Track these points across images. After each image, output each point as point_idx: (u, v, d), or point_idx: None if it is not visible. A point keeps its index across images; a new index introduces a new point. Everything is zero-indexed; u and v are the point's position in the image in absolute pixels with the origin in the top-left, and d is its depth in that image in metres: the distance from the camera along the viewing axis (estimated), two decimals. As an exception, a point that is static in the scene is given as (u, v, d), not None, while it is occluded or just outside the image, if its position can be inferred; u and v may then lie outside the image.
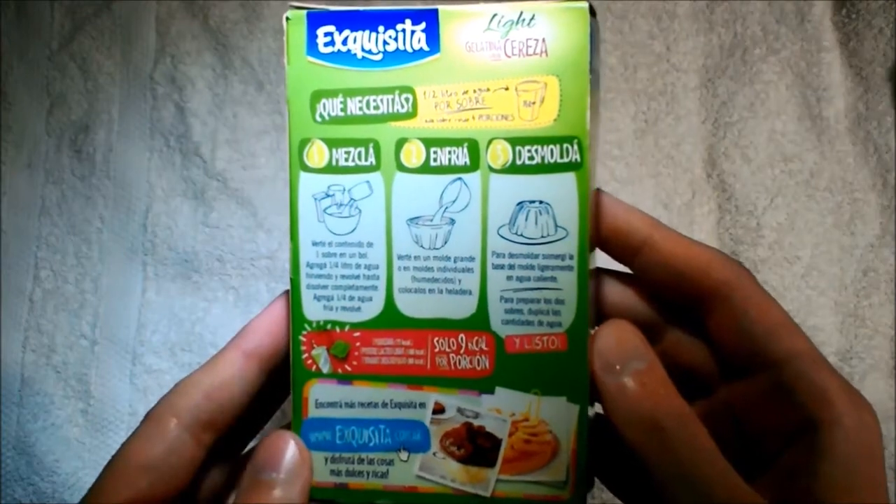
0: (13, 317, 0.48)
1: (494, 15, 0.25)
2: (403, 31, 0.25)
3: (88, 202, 0.49)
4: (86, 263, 0.48)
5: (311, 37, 0.26)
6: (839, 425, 0.22)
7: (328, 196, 0.26)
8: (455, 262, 0.25)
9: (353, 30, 0.26)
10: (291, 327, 0.26)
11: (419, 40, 0.25)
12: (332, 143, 0.26)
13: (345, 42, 0.26)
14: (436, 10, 0.25)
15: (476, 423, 0.25)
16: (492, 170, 0.25)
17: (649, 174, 0.48)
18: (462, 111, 0.25)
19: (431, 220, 0.25)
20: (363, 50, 0.26)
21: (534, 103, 0.25)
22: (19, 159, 0.50)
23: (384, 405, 0.26)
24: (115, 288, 0.48)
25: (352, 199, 0.26)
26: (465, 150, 0.25)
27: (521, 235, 0.25)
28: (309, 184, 0.26)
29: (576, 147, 0.25)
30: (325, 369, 0.26)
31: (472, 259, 0.25)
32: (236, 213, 0.48)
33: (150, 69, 0.50)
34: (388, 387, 0.26)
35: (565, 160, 0.25)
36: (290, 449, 0.25)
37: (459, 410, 0.25)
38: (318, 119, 0.26)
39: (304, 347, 0.26)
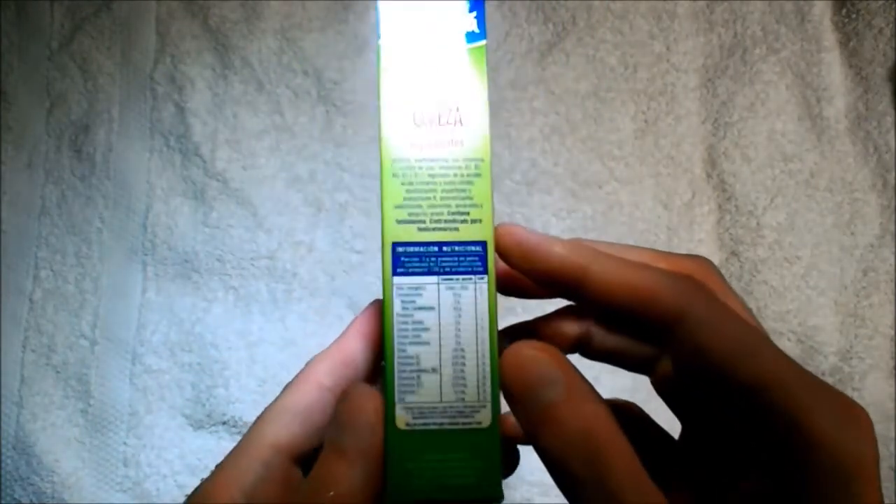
0: (13, 317, 0.48)
1: None
2: None
3: (88, 202, 0.49)
4: (86, 263, 0.48)
5: None
6: (817, 451, 0.21)
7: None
8: None
9: None
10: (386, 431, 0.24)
11: None
12: None
13: None
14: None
15: None
16: None
17: (649, 174, 0.48)
18: None
19: None
20: None
21: None
22: (19, 159, 0.50)
23: None
24: (115, 288, 0.48)
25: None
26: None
27: None
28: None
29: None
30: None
31: None
32: (236, 213, 0.48)
33: (150, 69, 0.50)
34: None
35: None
36: (375, 408, 0.23)
37: None
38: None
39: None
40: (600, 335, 0.25)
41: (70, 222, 0.49)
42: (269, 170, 0.48)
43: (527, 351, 0.21)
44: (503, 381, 0.22)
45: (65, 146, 0.50)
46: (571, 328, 0.26)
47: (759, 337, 0.22)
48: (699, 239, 0.48)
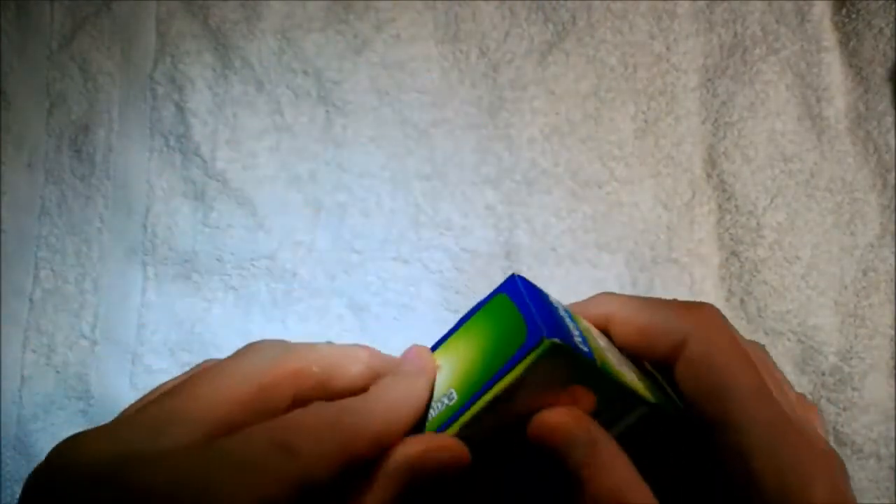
0: (13, 317, 0.48)
1: None
2: None
3: (88, 202, 0.49)
4: (86, 263, 0.48)
5: None
6: (759, 494, 0.22)
7: None
8: None
9: None
10: None
11: None
12: None
13: None
14: None
15: None
16: None
17: (649, 174, 0.48)
18: None
19: None
20: None
21: None
22: (19, 159, 0.50)
23: None
24: (115, 288, 0.48)
25: None
26: None
27: None
28: None
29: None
30: None
31: None
32: (236, 213, 0.48)
33: (150, 69, 0.50)
34: None
35: None
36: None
37: None
38: None
39: None
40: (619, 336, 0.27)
41: (70, 222, 0.49)
42: (269, 170, 0.48)
43: (555, 417, 0.23)
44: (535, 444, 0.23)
45: (65, 146, 0.50)
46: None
47: (742, 376, 0.23)
48: (699, 239, 0.48)
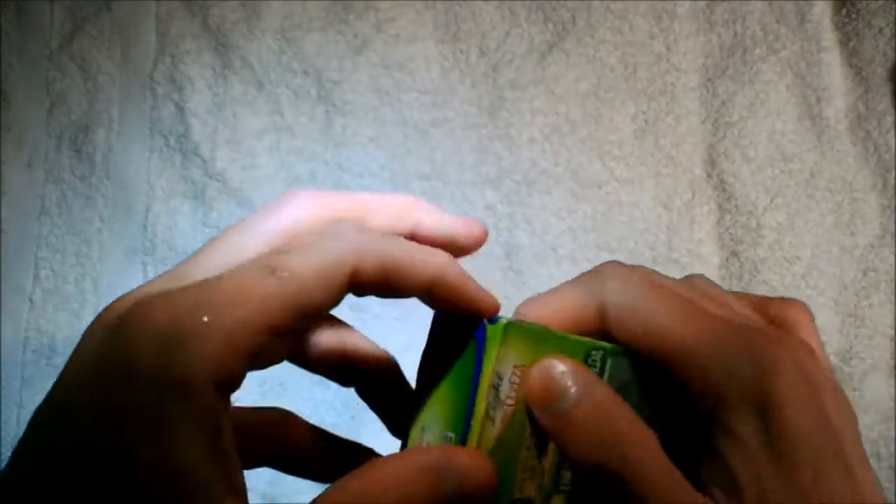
0: (13, 317, 0.48)
1: None
2: None
3: (88, 202, 0.49)
4: (86, 263, 0.48)
5: None
6: (711, 403, 0.21)
7: None
8: None
9: None
10: None
11: None
12: None
13: None
14: None
15: None
16: None
17: (649, 174, 0.48)
18: None
19: None
20: None
21: None
22: (19, 159, 0.50)
23: None
24: (115, 288, 0.48)
25: None
26: None
27: None
28: None
29: None
30: None
31: None
32: (236, 213, 0.48)
33: (150, 69, 0.50)
34: None
35: None
36: None
37: None
38: None
39: None
40: None
41: (70, 222, 0.49)
42: (269, 170, 0.48)
43: (547, 363, 0.22)
44: (528, 399, 0.23)
45: (65, 146, 0.50)
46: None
47: (664, 307, 0.22)
48: (699, 239, 0.48)
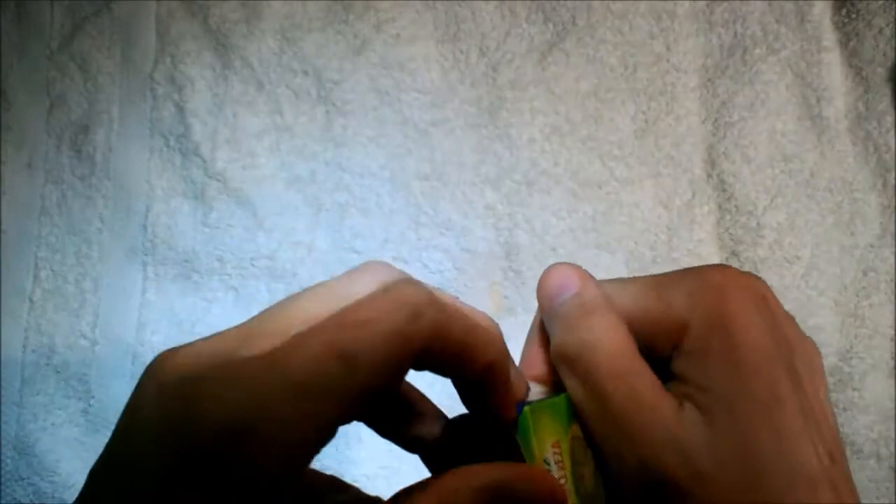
0: (13, 317, 0.48)
1: None
2: None
3: (88, 202, 0.49)
4: (86, 263, 0.48)
5: None
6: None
7: None
8: None
9: None
10: None
11: None
12: None
13: None
14: None
15: None
16: None
17: (649, 174, 0.48)
18: None
19: None
20: None
21: None
22: (19, 159, 0.50)
23: None
24: (115, 288, 0.48)
25: None
26: None
27: None
28: None
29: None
30: None
31: None
32: (236, 213, 0.48)
33: (150, 69, 0.50)
34: None
35: None
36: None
37: None
38: None
39: None
40: None
41: (70, 222, 0.49)
42: (268, 170, 0.48)
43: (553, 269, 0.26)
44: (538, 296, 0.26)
45: (65, 146, 0.50)
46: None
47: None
48: (699, 239, 0.48)
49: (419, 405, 0.26)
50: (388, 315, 0.20)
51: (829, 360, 0.46)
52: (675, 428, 0.22)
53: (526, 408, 0.24)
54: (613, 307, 0.24)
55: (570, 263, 0.26)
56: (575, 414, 0.24)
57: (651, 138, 0.49)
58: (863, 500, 0.45)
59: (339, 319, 0.20)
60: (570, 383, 0.24)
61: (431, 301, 0.21)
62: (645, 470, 0.22)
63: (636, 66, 0.49)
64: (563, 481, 0.23)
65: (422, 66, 0.50)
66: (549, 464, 0.23)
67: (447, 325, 0.21)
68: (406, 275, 0.22)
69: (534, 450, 0.23)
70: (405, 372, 0.21)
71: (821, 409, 0.23)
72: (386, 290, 0.21)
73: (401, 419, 0.26)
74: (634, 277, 0.26)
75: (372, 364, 0.19)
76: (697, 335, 0.23)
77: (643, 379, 0.23)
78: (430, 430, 0.26)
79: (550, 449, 0.24)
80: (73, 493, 0.46)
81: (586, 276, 0.25)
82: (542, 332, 0.27)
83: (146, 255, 0.48)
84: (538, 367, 0.26)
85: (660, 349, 0.24)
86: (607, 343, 0.23)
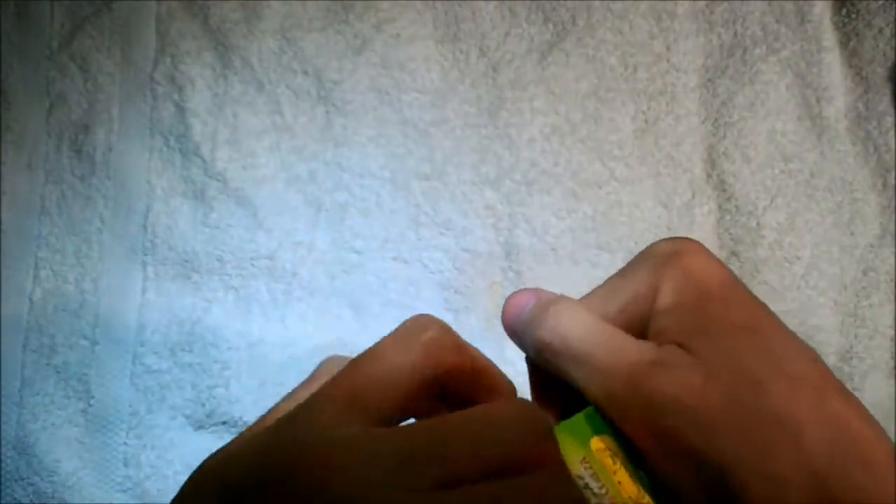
0: (13, 317, 0.48)
1: None
2: None
3: (88, 202, 0.49)
4: (86, 263, 0.48)
5: None
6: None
7: None
8: None
9: None
10: None
11: None
12: None
13: None
14: None
15: None
16: None
17: (649, 174, 0.48)
18: None
19: None
20: None
21: None
22: (19, 159, 0.50)
23: None
24: (115, 288, 0.48)
25: None
26: None
27: None
28: None
29: None
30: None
31: None
32: (236, 213, 0.48)
33: (150, 69, 0.50)
34: None
35: None
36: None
37: None
38: None
39: None
40: None
41: (70, 222, 0.49)
42: (269, 170, 0.48)
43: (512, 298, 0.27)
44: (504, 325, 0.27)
45: (65, 146, 0.50)
46: None
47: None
48: (699, 239, 0.48)
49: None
50: (393, 351, 0.23)
51: (829, 360, 0.46)
52: (658, 356, 0.23)
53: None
54: (582, 306, 0.26)
55: (524, 289, 0.27)
56: (594, 428, 0.24)
57: (651, 138, 0.49)
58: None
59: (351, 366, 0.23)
60: (564, 370, 0.25)
61: (435, 335, 0.24)
62: (642, 399, 0.23)
63: (636, 66, 0.49)
64: (604, 491, 0.23)
65: (422, 66, 0.50)
66: (584, 479, 0.24)
67: (450, 357, 0.23)
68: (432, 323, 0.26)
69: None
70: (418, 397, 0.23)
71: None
72: (395, 332, 0.24)
73: None
74: (598, 286, 0.27)
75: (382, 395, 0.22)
76: (666, 292, 0.24)
77: (616, 331, 0.24)
78: None
79: (581, 465, 0.24)
80: (73, 493, 0.46)
81: (541, 290, 0.27)
82: (535, 375, 0.27)
83: (146, 255, 0.48)
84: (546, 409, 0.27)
85: (641, 331, 0.25)
86: (574, 316, 0.25)
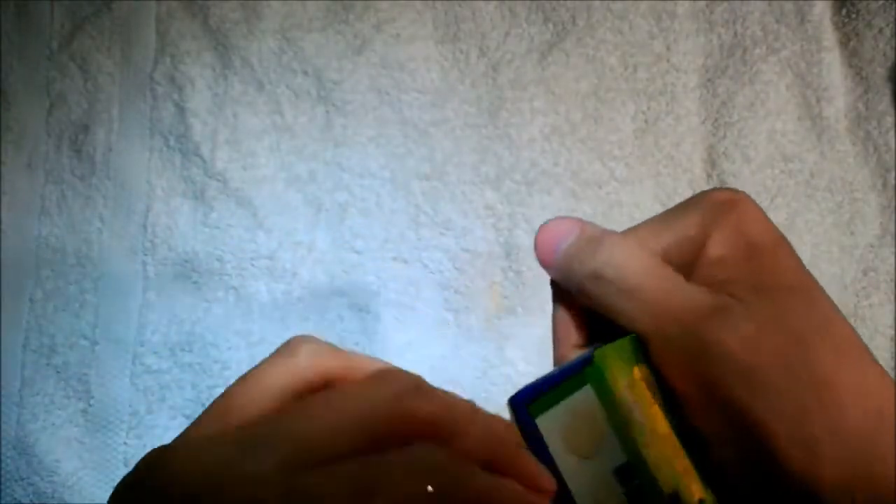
0: (13, 317, 0.48)
1: None
2: None
3: (88, 202, 0.49)
4: (86, 263, 0.48)
5: None
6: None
7: None
8: None
9: None
10: None
11: None
12: None
13: None
14: None
15: None
16: None
17: (649, 174, 0.48)
18: None
19: None
20: None
21: None
22: (19, 159, 0.50)
23: None
24: (115, 288, 0.48)
25: None
26: None
27: None
28: None
29: None
30: None
31: None
32: (236, 213, 0.48)
33: (150, 69, 0.50)
34: None
35: None
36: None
37: None
38: None
39: None
40: None
41: (70, 222, 0.49)
42: (269, 170, 0.48)
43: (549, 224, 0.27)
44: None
45: (65, 146, 0.50)
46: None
47: None
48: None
49: None
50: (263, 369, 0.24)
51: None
52: (715, 302, 0.23)
53: (595, 351, 0.24)
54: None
55: (561, 217, 0.27)
56: (636, 357, 0.24)
57: (651, 138, 0.49)
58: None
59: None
60: (611, 303, 0.25)
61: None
62: (692, 342, 0.23)
63: (636, 66, 0.49)
64: (643, 421, 0.24)
65: (422, 66, 0.50)
66: (628, 404, 0.24)
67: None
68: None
69: (613, 389, 0.24)
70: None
71: None
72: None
73: None
74: (644, 221, 0.27)
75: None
76: (717, 241, 0.25)
77: (672, 272, 0.25)
78: None
79: (626, 391, 0.24)
80: (73, 493, 0.46)
81: (582, 220, 0.27)
82: (563, 298, 0.27)
83: (146, 255, 0.48)
84: (573, 334, 0.27)
85: (686, 274, 0.25)
86: (630, 250, 0.25)
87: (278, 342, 0.47)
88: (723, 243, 0.25)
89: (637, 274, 0.24)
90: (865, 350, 0.22)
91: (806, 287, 0.24)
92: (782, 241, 0.25)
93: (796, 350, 0.22)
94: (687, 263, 0.25)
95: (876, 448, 0.21)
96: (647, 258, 0.25)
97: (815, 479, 0.21)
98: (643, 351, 0.24)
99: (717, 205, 0.26)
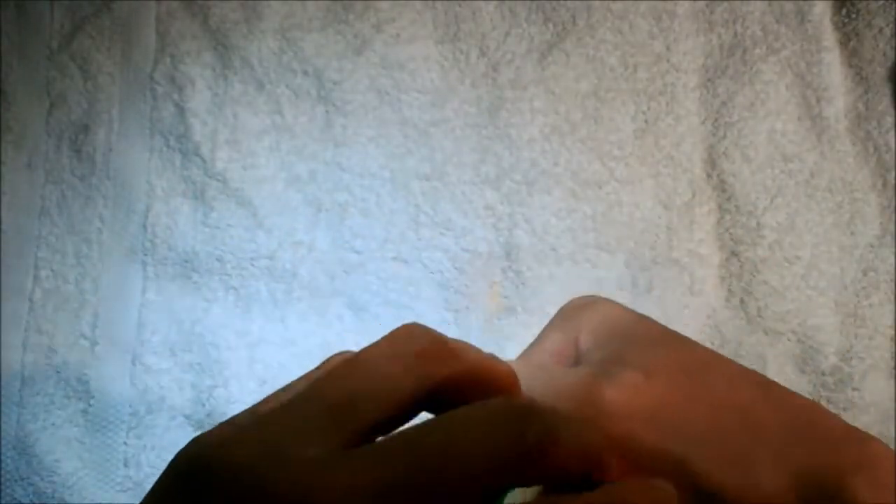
0: (13, 317, 0.48)
1: None
2: None
3: (88, 202, 0.49)
4: (86, 263, 0.48)
5: None
6: None
7: None
8: None
9: None
10: None
11: None
12: None
13: None
14: None
15: None
16: None
17: (649, 174, 0.48)
18: None
19: None
20: None
21: None
22: (19, 159, 0.50)
23: None
24: (115, 288, 0.48)
25: None
26: None
27: None
28: None
29: None
30: None
31: None
32: (236, 213, 0.48)
33: (150, 69, 0.50)
34: None
35: None
36: None
37: None
38: None
39: None
40: None
41: (70, 222, 0.49)
42: (269, 170, 0.48)
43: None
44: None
45: (65, 146, 0.50)
46: None
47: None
48: (699, 239, 0.48)
49: None
50: (383, 364, 0.21)
51: (829, 360, 0.46)
52: (593, 370, 0.24)
53: None
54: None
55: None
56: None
57: (651, 138, 0.49)
58: (863, 500, 0.45)
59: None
60: None
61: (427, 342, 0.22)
62: (588, 411, 0.23)
63: (636, 66, 0.49)
64: None
65: (422, 66, 0.50)
66: None
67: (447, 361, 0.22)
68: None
69: None
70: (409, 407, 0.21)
71: None
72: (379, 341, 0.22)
73: None
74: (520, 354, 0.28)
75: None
76: (586, 337, 0.26)
77: (552, 365, 0.26)
78: None
79: None
80: (73, 493, 0.46)
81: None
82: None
83: (146, 255, 0.48)
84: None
85: None
86: (518, 370, 0.24)
87: (278, 342, 0.47)
88: (590, 335, 0.26)
89: (524, 379, 0.24)
90: (750, 373, 0.23)
91: (675, 337, 0.25)
92: (643, 316, 0.26)
93: (689, 384, 0.22)
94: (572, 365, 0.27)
95: (798, 449, 0.22)
96: (527, 367, 0.25)
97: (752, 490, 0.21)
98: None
99: (575, 310, 0.28)
